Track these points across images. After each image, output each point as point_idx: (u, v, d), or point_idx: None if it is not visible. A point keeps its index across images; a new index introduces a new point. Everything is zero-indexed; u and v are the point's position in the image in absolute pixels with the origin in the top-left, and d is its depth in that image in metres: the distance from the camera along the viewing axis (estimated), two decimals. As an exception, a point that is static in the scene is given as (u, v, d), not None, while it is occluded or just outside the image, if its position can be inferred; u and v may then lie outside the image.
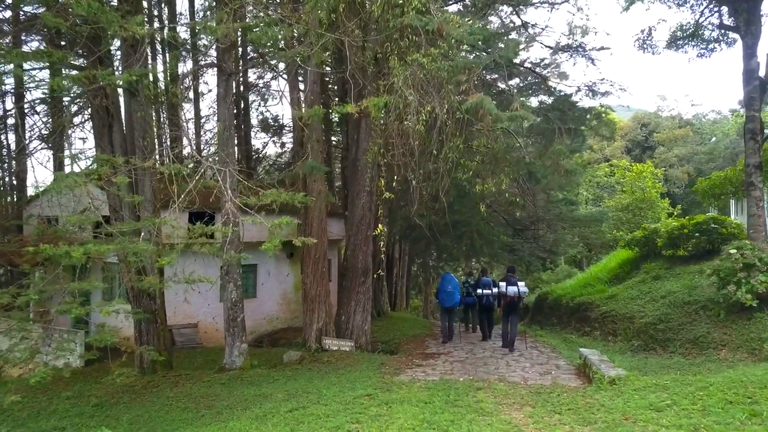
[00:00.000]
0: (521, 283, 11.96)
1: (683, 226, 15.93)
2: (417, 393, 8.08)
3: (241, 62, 20.45)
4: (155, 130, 8.16)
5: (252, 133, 28.87)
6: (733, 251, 10.41)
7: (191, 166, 8.81)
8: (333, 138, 27.58)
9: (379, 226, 9.04)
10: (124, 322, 12.60)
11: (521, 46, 11.37)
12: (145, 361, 11.25)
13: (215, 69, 10.59)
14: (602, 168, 31.97)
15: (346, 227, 13.66)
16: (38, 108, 18.09)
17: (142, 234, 7.39)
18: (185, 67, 20.26)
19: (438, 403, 7.42)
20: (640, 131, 39.45)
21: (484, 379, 8.94)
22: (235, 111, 27.40)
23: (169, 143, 8.92)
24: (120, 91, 11.45)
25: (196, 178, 7.33)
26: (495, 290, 13.03)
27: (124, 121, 11.35)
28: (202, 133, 25.35)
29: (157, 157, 8.77)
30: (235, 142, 10.93)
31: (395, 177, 10.04)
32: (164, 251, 7.44)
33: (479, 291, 13.54)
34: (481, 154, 10.86)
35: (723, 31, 13.56)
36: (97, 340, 6.75)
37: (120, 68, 10.41)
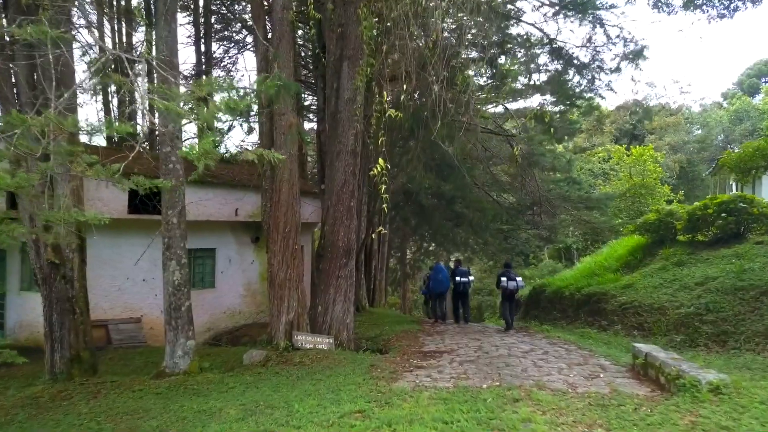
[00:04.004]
0: (519, 278, 13.73)
1: (706, 207, 14.04)
2: (429, 408, 5.65)
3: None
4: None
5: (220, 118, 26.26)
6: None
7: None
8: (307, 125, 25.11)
9: (380, 161, 6.53)
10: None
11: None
12: (57, 364, 8.52)
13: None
14: (597, 153, 30.12)
15: (324, 198, 11.09)
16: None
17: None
18: None
19: (466, 424, 5.02)
20: (629, 118, 37.85)
21: (516, 385, 6.55)
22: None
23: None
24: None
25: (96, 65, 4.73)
26: (471, 278, 15.52)
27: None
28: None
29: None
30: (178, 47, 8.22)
31: (406, 91, 7.48)
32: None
33: (456, 279, 15.07)
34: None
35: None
36: None
37: None
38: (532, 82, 15.94)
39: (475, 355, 8.98)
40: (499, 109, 18.90)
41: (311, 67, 18.11)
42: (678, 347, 9.90)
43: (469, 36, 15.29)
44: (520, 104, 21.90)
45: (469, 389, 6.42)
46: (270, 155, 4.77)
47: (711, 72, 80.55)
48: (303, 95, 25.10)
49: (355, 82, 8.41)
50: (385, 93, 7.05)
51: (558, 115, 13.75)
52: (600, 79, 13.08)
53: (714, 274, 11.44)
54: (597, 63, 12.66)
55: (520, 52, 15.54)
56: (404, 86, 6.86)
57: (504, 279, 13.31)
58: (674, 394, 5.72)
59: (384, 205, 6.75)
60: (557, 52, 14.02)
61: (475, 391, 6.28)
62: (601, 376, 7.09)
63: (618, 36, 14.09)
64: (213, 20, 24.37)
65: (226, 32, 25.23)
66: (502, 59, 15.59)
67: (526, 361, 8.26)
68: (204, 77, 12.77)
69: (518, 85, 17.85)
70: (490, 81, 17.35)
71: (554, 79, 15.19)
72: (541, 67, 15.02)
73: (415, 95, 11.43)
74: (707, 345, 9.43)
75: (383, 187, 6.55)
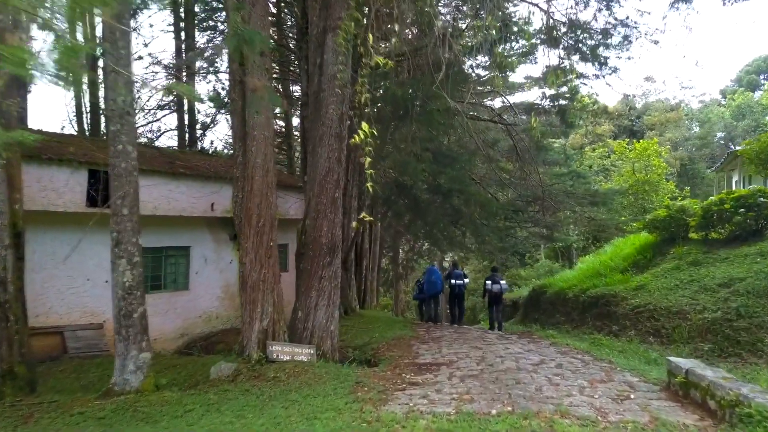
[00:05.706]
0: (503, 282, 14.41)
1: (722, 202, 12.98)
2: (427, 444, 4.42)
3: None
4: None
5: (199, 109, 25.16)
6: None
7: None
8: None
9: (364, 125, 5.23)
10: None
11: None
12: (-14, 380, 7.23)
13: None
14: (598, 149, 28.98)
15: (306, 188, 9.86)
16: None
17: None
18: None
19: (477, 474, 3.78)
20: (629, 114, 36.70)
21: (532, 411, 5.32)
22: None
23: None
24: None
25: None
26: (466, 280, 15.62)
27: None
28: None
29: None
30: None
31: (399, 33, 6.20)
32: None
33: (452, 281, 15.15)
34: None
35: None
36: None
37: None
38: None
39: (478, 369, 7.76)
40: (497, 103, 17.89)
41: (298, 55, 16.86)
42: (706, 357, 8.75)
43: (464, 25, 14.18)
44: (521, 98, 20.93)
45: (476, 417, 5.19)
46: (176, 87, 3.59)
47: (709, 69, 79.86)
48: (291, 88, 23.90)
49: (338, 39, 7.10)
50: (370, 36, 5.73)
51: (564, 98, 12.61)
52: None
53: (739, 274, 10.32)
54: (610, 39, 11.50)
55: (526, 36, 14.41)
56: (396, 26, 5.61)
57: (488, 282, 14.23)
58: (735, 426, 4.53)
59: (368, 184, 5.49)
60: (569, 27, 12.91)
61: (483, 420, 5.06)
62: (632, 397, 5.90)
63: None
64: (197, 9, 23.08)
65: (210, 21, 23.97)
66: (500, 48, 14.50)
67: (539, 376, 7.04)
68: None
69: (520, 79, 16.86)
70: (488, 72, 16.27)
71: (557, 68, 14.12)
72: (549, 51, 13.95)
73: (407, 76, 10.20)
74: (741, 355, 8.28)
75: (368, 160, 5.28)
